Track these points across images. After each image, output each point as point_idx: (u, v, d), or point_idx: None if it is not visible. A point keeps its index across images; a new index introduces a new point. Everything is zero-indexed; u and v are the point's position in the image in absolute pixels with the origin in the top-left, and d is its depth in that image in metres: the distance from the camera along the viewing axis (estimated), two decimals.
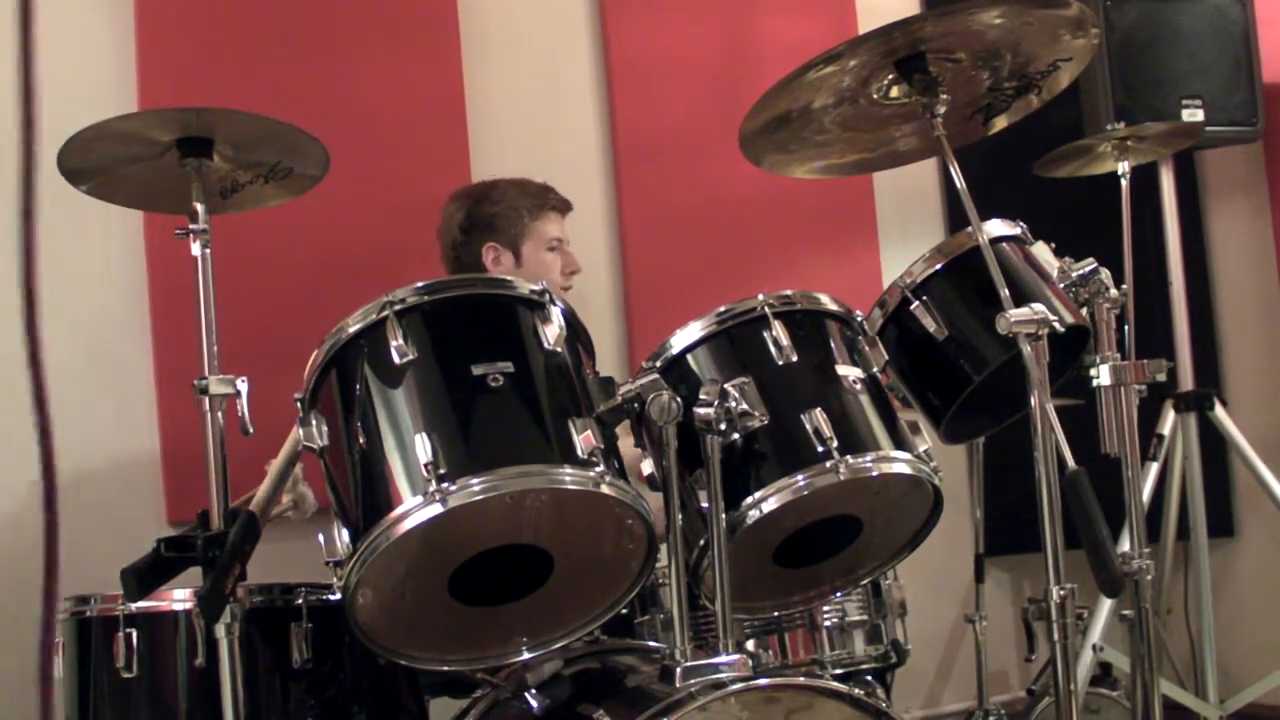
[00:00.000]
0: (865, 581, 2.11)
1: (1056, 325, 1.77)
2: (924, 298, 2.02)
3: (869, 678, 2.34)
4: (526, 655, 1.84)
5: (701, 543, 1.75)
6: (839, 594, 2.16)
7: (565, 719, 1.86)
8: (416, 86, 3.11)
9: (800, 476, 1.73)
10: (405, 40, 3.12)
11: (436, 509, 1.58)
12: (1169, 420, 3.20)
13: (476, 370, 1.68)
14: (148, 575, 1.77)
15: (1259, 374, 3.79)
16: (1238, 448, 3.22)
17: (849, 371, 1.85)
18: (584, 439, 1.66)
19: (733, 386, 1.71)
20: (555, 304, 1.78)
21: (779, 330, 1.82)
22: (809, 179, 2.28)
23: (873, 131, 2.13)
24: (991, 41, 1.94)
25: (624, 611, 1.89)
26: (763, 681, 1.68)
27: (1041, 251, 2.11)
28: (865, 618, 2.36)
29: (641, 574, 1.79)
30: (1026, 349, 1.75)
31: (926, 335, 2.01)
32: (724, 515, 1.70)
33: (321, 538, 1.67)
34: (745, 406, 1.71)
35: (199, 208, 1.90)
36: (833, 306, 1.92)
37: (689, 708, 1.60)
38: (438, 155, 3.11)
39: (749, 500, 1.73)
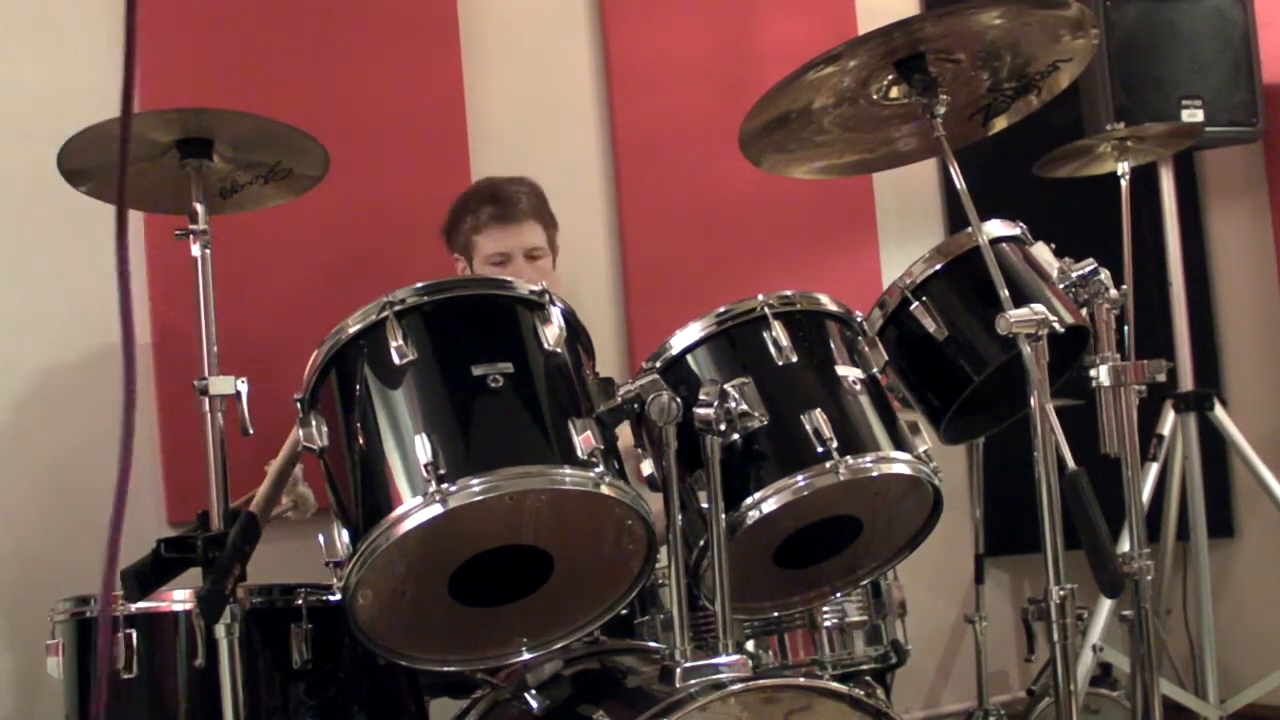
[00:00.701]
0: (865, 582, 2.11)
1: (1056, 326, 1.77)
2: (924, 298, 2.02)
3: (869, 678, 2.34)
4: (526, 656, 1.84)
5: (701, 543, 1.75)
6: (839, 594, 2.16)
7: (565, 719, 1.86)
8: (416, 86, 3.11)
9: (800, 477, 1.73)
10: (405, 40, 3.12)
11: (436, 509, 1.58)
12: (1169, 420, 3.20)
13: (476, 371, 1.68)
14: (148, 576, 1.77)
15: (1259, 374, 3.79)
16: (1238, 448, 3.22)
17: (849, 372, 1.85)
18: (584, 439, 1.66)
19: (732, 387, 1.72)
20: (555, 304, 1.78)
21: (779, 331, 1.82)
22: (809, 179, 2.28)
23: (873, 132, 2.13)
24: (991, 42, 1.94)
25: (624, 612, 1.89)
26: (762, 682, 1.68)
27: (1041, 252, 2.11)
28: (865, 618, 2.36)
29: (641, 574, 1.79)
30: (1026, 349, 1.75)
31: (926, 336, 2.01)
32: (724, 515, 1.70)
33: (321, 538, 1.67)
34: (745, 407, 1.71)
35: (199, 208, 1.90)
36: (832, 307, 1.92)
37: (689, 708, 1.60)
38: (438, 155, 3.11)
39: (749, 501, 1.73)
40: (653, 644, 2.17)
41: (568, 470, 1.65)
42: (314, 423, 1.75)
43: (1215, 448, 3.40)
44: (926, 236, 3.55)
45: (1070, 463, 1.68)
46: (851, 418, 1.81)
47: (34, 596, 2.27)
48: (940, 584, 3.41)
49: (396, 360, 1.68)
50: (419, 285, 1.74)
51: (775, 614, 2.20)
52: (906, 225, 3.67)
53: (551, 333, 1.74)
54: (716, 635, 1.72)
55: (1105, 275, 2.09)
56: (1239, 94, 3.38)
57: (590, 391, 1.75)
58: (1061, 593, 1.76)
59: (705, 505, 1.71)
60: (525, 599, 1.78)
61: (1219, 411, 3.22)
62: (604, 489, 1.65)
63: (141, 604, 1.90)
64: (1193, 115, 3.31)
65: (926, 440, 1.86)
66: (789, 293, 1.88)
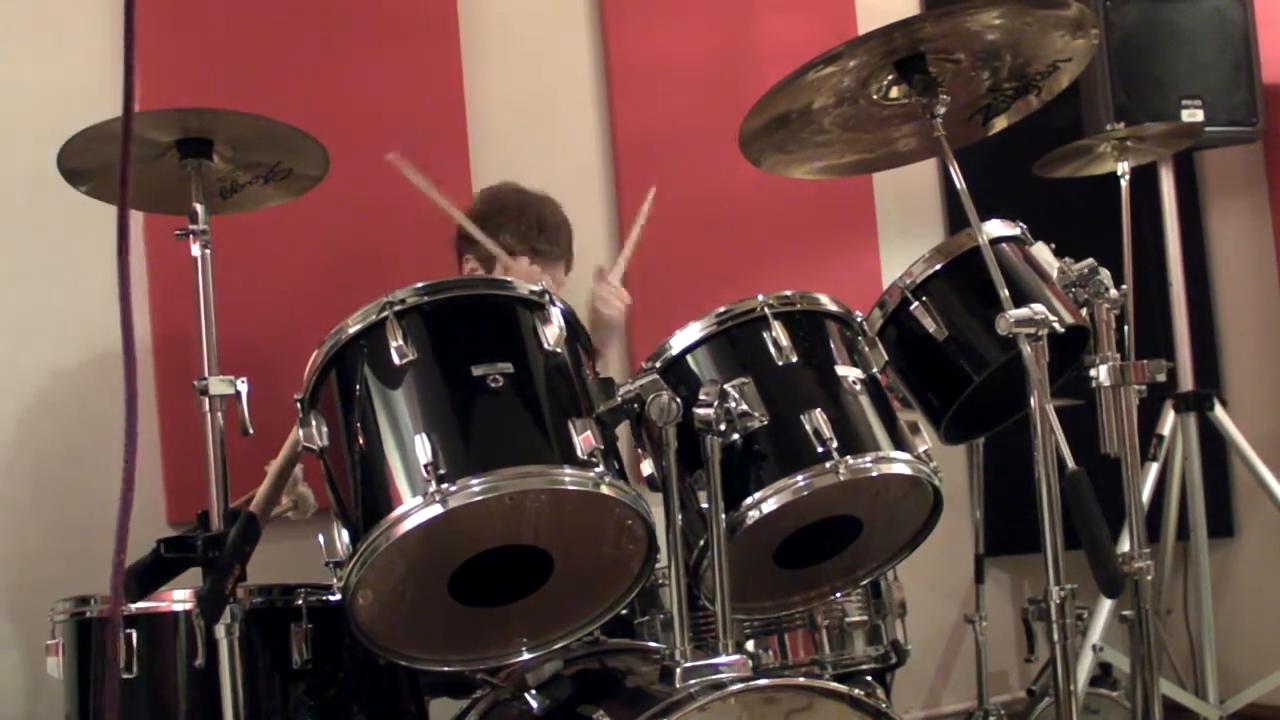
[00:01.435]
0: (865, 582, 2.11)
1: (1056, 325, 1.77)
2: (924, 298, 2.03)
3: (869, 678, 2.34)
4: (526, 656, 1.84)
5: (701, 543, 1.75)
6: (839, 594, 2.16)
7: (565, 719, 1.86)
8: (416, 86, 3.11)
9: (800, 477, 1.73)
10: (405, 40, 3.12)
11: (436, 509, 1.58)
12: (1169, 420, 3.20)
13: (476, 371, 1.68)
14: (148, 576, 1.77)
15: (1259, 374, 3.79)
16: (1237, 448, 3.22)
17: (849, 372, 1.85)
18: (584, 439, 1.66)
19: (732, 387, 1.72)
20: (555, 305, 1.78)
21: (779, 331, 1.82)
22: (809, 179, 2.28)
23: (873, 132, 2.13)
24: (991, 42, 1.94)
25: (624, 612, 1.89)
26: (762, 682, 1.68)
27: (1041, 252, 2.11)
28: (865, 618, 2.36)
29: (641, 574, 1.79)
30: (1026, 349, 1.75)
31: (926, 336, 2.01)
32: (724, 515, 1.70)
33: (321, 538, 1.67)
34: (745, 407, 1.71)
35: (199, 208, 1.90)
36: (832, 307, 1.92)
37: (689, 708, 1.60)
38: (438, 155, 3.10)
39: (749, 501, 1.73)
40: (653, 644, 2.17)
41: (568, 470, 1.65)
42: (314, 423, 1.75)
43: (1215, 448, 3.40)
44: (926, 236, 3.55)
45: (1070, 463, 1.68)
46: (851, 418, 1.81)
47: (34, 596, 2.27)
48: (940, 584, 3.41)
49: (396, 360, 1.68)
50: (419, 285, 1.74)
51: (775, 614, 2.21)
52: (906, 225, 3.67)
53: (551, 333, 1.74)
54: (716, 635, 1.72)
55: (1105, 275, 2.09)
56: (1239, 94, 3.38)
57: (590, 391, 1.75)
58: (1061, 593, 1.76)
59: (705, 505, 1.71)
60: (525, 599, 1.78)
61: (1219, 411, 3.22)
62: (604, 489, 1.65)
63: (141, 604, 1.90)
64: (1193, 115, 3.31)
65: (926, 440, 1.86)
66: (789, 293, 1.88)
